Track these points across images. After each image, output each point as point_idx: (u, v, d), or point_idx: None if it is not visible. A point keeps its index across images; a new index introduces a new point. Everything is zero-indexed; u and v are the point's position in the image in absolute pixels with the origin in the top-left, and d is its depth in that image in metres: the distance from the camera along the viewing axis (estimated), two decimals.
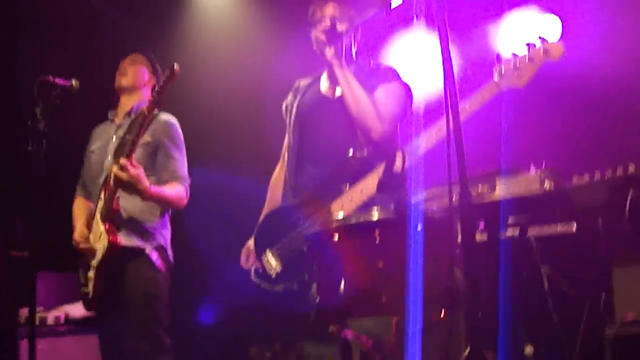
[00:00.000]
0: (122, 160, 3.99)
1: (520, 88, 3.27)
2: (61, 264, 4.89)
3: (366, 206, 3.24)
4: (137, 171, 4.02)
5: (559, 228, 3.82)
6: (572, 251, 3.93)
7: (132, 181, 4.00)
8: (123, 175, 3.98)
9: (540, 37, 3.25)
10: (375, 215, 2.78)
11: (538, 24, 5.42)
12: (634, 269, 3.81)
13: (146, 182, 4.07)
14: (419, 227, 2.65)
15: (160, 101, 3.97)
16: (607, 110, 4.86)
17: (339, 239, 2.78)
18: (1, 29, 5.64)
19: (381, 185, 2.75)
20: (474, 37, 5.46)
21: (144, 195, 4.10)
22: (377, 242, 2.71)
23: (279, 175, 3.98)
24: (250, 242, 3.72)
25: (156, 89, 3.99)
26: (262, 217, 3.83)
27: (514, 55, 3.28)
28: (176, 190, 4.31)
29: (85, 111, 4.96)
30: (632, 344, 3.67)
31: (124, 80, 4.53)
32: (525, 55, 3.24)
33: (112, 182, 4.05)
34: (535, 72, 3.24)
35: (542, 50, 3.23)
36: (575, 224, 3.76)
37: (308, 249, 3.11)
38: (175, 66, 3.89)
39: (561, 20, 5.47)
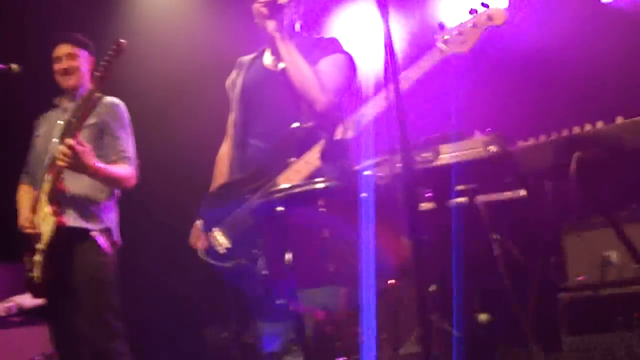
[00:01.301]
0: (68, 140, 3.91)
1: (464, 54, 3.25)
2: (9, 255, 4.78)
3: (313, 177, 3.19)
4: (84, 148, 3.96)
5: (508, 194, 3.86)
6: (522, 216, 3.96)
7: (79, 158, 3.94)
8: (69, 152, 3.90)
9: (483, 3, 3.23)
10: (319, 184, 2.76)
11: None
12: (584, 233, 3.86)
13: (92, 159, 4.02)
14: (364, 194, 2.63)
15: (106, 77, 3.90)
16: (551, 78, 4.91)
17: (283, 209, 2.74)
18: None
19: (324, 155, 2.72)
20: (419, 8, 5.46)
21: (90, 172, 4.04)
22: (322, 211, 2.69)
23: (224, 150, 3.92)
24: (199, 222, 3.68)
25: (101, 63, 3.90)
26: (208, 193, 3.78)
27: (458, 23, 3.26)
28: (124, 170, 4.26)
29: (31, 98, 4.85)
30: (585, 307, 3.72)
31: (71, 81, 4.46)
32: (468, 21, 3.23)
33: (58, 161, 3.96)
34: (478, 37, 3.22)
35: (485, 16, 3.21)
36: (524, 190, 3.79)
37: (254, 223, 3.07)
38: (122, 41, 3.83)
39: None
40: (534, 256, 3.93)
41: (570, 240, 3.97)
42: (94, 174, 4.07)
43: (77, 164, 3.97)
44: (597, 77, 4.82)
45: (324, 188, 2.75)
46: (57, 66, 4.47)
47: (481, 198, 3.79)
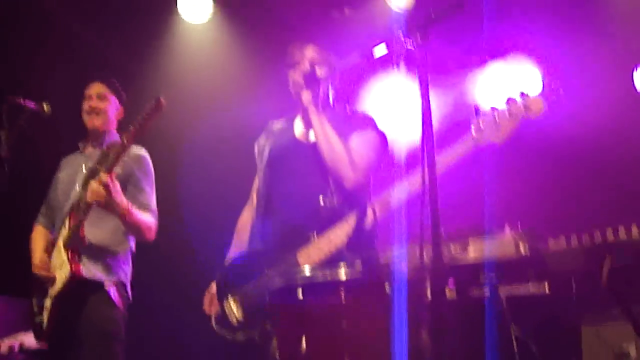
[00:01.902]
0: (103, 176, 3.87)
1: (498, 144, 3.18)
2: (18, 289, 4.73)
3: (334, 257, 3.14)
4: (117, 187, 3.93)
5: (531, 288, 3.76)
6: (543, 312, 3.87)
7: (112, 197, 3.89)
8: (102, 189, 3.86)
9: (521, 93, 3.17)
10: (342, 274, 2.68)
11: (518, 76, 5.42)
12: (602, 326, 3.77)
13: (125, 200, 3.98)
14: (387, 288, 2.55)
15: (141, 133, 3.85)
16: (585, 169, 4.83)
17: (303, 295, 2.66)
18: None
19: (350, 243, 2.64)
20: (453, 86, 5.44)
21: (122, 211, 3.98)
22: (343, 301, 2.60)
23: (246, 217, 3.86)
24: (213, 286, 3.60)
25: (138, 118, 3.85)
26: (226, 260, 3.71)
27: (494, 109, 3.19)
28: (148, 219, 4.21)
29: (55, 137, 4.85)
30: None
31: (97, 121, 4.43)
32: (505, 110, 3.16)
33: (89, 197, 3.91)
34: (514, 128, 3.15)
35: (522, 106, 3.14)
36: (547, 285, 3.70)
37: (271, 302, 2.99)
38: (162, 99, 3.78)
39: (541, 73, 5.48)
40: (553, 353, 3.82)
41: (587, 332, 3.86)
42: (125, 214, 4.01)
43: (108, 202, 3.91)
44: (633, 172, 4.74)
45: (346, 280, 2.66)
46: (86, 104, 4.46)
47: (503, 290, 3.70)
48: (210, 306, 3.60)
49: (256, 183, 3.82)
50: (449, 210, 2.66)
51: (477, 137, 3.17)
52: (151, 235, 4.25)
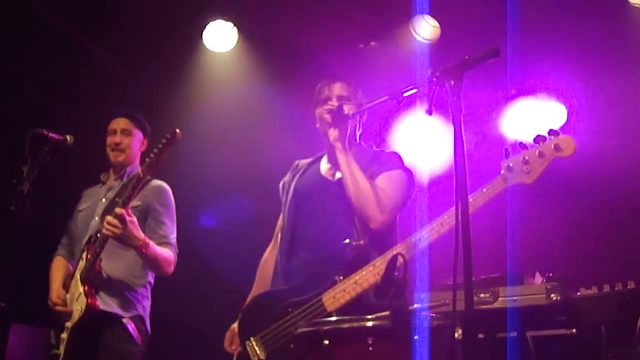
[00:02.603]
0: (118, 209, 3.84)
1: (528, 184, 3.09)
2: (37, 319, 4.70)
3: (360, 299, 3.09)
4: (133, 220, 3.89)
5: (558, 332, 3.68)
6: (570, 354, 3.78)
7: (128, 230, 3.86)
8: (118, 224, 3.83)
9: (550, 130, 3.07)
10: (369, 321, 2.61)
11: (545, 112, 5.37)
12: None
13: (141, 233, 3.94)
14: (416, 337, 2.48)
15: (158, 164, 3.83)
16: (619, 214, 4.71)
17: (329, 343, 2.60)
18: (2, 75, 5.52)
19: (379, 291, 2.58)
20: (482, 123, 5.39)
21: (139, 244, 3.94)
22: (370, 349, 2.54)
23: (269, 255, 3.80)
24: (235, 325, 3.54)
25: (155, 151, 3.83)
26: (249, 299, 3.65)
27: (523, 147, 3.11)
28: (166, 253, 4.17)
29: (78, 169, 4.84)
30: None
31: (120, 157, 4.44)
32: (535, 149, 3.07)
33: (105, 230, 3.87)
34: (545, 168, 3.05)
35: (552, 145, 3.04)
36: (574, 330, 3.61)
37: (295, 348, 2.92)
38: (177, 131, 3.77)
39: (567, 109, 5.43)
40: None
41: None
42: (143, 247, 3.96)
43: (125, 235, 3.87)
44: None
45: (374, 326, 2.59)
46: (110, 139, 4.46)
47: (531, 333, 3.61)
48: (231, 345, 3.55)
49: (280, 221, 3.77)
50: (479, 256, 2.59)
51: (507, 178, 3.09)
52: (169, 269, 4.20)
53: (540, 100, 5.46)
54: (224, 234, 5.93)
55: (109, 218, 3.86)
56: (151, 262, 4.12)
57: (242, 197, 5.96)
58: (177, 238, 4.31)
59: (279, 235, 3.70)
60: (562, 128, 4.83)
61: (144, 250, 3.99)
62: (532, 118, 5.41)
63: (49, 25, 5.55)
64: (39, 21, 5.48)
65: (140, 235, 3.95)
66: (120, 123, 4.48)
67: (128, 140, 4.45)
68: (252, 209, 5.54)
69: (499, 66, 4.97)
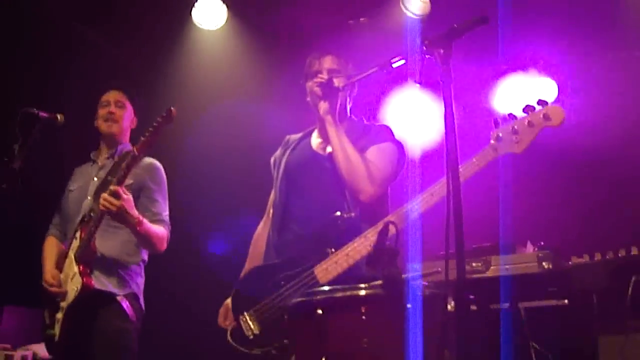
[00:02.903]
0: (114, 187, 3.84)
1: (518, 154, 3.09)
2: (30, 300, 4.70)
3: (352, 271, 3.10)
4: (129, 197, 3.88)
5: (551, 302, 3.71)
6: (562, 325, 3.81)
7: (123, 207, 3.85)
8: (114, 200, 3.82)
9: (539, 100, 3.07)
10: (362, 290, 2.62)
11: (535, 87, 5.37)
12: (620, 337, 3.72)
13: (136, 211, 3.94)
14: (409, 305, 2.49)
15: (152, 142, 3.81)
16: (608, 183, 4.74)
17: (322, 312, 2.61)
18: None
19: (371, 260, 2.58)
20: (472, 98, 5.39)
21: (133, 221, 3.94)
22: (363, 318, 2.55)
23: (262, 230, 3.81)
24: (229, 301, 3.56)
25: (150, 129, 3.81)
26: (242, 274, 3.66)
27: (512, 117, 3.11)
28: (160, 230, 4.17)
29: (67, 148, 4.82)
30: None
31: (114, 128, 4.41)
32: (524, 119, 3.07)
33: (101, 206, 3.85)
34: (534, 138, 3.05)
35: (541, 115, 3.04)
36: (566, 301, 3.63)
37: (289, 320, 2.93)
38: (173, 109, 3.75)
39: (558, 85, 5.43)
40: None
41: (604, 344, 3.80)
42: (136, 224, 3.96)
43: (120, 211, 3.86)
44: None
45: (367, 295, 2.60)
46: (102, 110, 4.42)
47: (523, 304, 3.63)
48: (225, 320, 3.56)
49: (272, 196, 3.77)
50: (471, 226, 2.60)
51: (497, 148, 3.09)
52: (162, 246, 4.20)
53: (531, 76, 5.47)
54: (216, 206, 5.93)
55: (105, 195, 3.85)
56: (145, 239, 4.11)
57: (234, 171, 5.96)
58: (170, 218, 4.31)
59: (271, 211, 3.71)
60: (553, 103, 4.83)
61: (137, 228, 3.98)
62: (523, 93, 5.41)
63: (37, 5, 5.51)
64: (30, 3, 5.44)
65: (135, 212, 3.94)
66: (114, 95, 4.45)
67: (121, 112, 4.42)
68: (245, 184, 5.53)
69: (491, 41, 4.98)
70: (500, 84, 5.49)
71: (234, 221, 5.33)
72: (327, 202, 3.36)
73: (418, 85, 2.64)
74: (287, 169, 3.62)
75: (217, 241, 6.19)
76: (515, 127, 3.06)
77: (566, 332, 3.83)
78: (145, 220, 4.03)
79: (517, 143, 3.05)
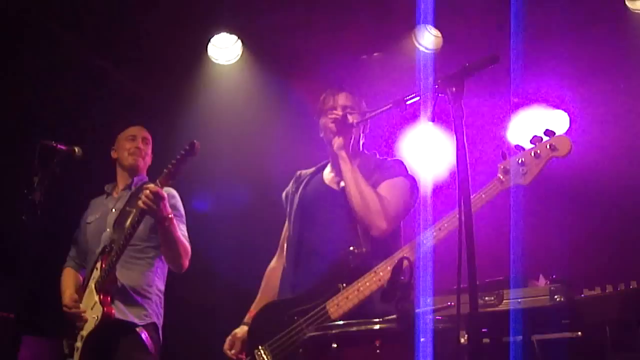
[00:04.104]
0: (152, 186, 3.87)
1: (525, 186, 3.07)
2: (47, 331, 4.74)
3: (363, 306, 3.13)
4: (165, 195, 3.90)
5: (564, 335, 3.70)
6: (575, 357, 3.81)
7: (159, 203, 3.86)
8: (151, 196, 3.83)
9: (546, 131, 3.06)
10: (377, 324, 2.66)
11: (547, 120, 5.40)
12: None
13: (169, 209, 3.97)
14: (422, 339, 2.52)
15: (176, 175, 3.86)
16: (619, 216, 4.75)
17: (337, 346, 2.64)
18: (13, 88, 5.58)
19: (386, 295, 2.62)
20: (484, 135, 5.43)
21: (167, 220, 3.96)
22: (378, 352, 2.58)
23: (275, 265, 3.84)
24: (237, 331, 3.61)
25: (173, 162, 3.86)
26: (256, 309, 3.68)
27: (520, 149, 3.11)
28: (185, 241, 4.19)
29: (84, 180, 4.89)
30: None
31: (141, 163, 4.50)
32: (530, 150, 3.06)
33: (140, 202, 3.88)
34: (541, 169, 3.04)
35: (548, 145, 3.03)
36: (580, 333, 3.63)
37: (304, 353, 2.96)
38: (196, 143, 3.79)
39: (569, 116, 5.46)
40: None
41: None
42: (169, 220, 3.98)
43: (157, 209, 3.88)
44: None
45: (381, 329, 2.64)
46: (129, 144, 4.50)
47: (536, 337, 3.63)
48: (230, 349, 3.58)
49: (284, 231, 3.81)
50: (481, 259, 2.63)
51: (504, 180, 3.08)
52: (186, 260, 4.20)
53: (543, 109, 5.50)
54: (229, 240, 5.97)
55: (145, 192, 3.86)
56: (172, 241, 4.09)
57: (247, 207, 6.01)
58: None
59: (285, 245, 3.74)
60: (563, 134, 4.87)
61: (168, 224, 3.99)
62: (535, 126, 5.44)
63: (57, 40, 5.61)
64: (48, 36, 5.54)
65: (168, 209, 3.97)
66: (139, 130, 4.57)
67: (147, 148, 4.55)
68: (258, 219, 5.57)
69: (502, 76, 5.03)
70: (513, 118, 5.53)
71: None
72: (340, 238, 3.39)
73: (431, 122, 2.67)
74: (301, 204, 3.65)
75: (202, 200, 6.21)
76: (523, 159, 3.06)
77: None
78: (175, 222, 4.04)
79: (524, 175, 3.04)
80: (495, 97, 5.44)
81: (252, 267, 4.00)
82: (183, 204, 4.40)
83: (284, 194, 3.86)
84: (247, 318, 3.67)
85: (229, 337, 3.64)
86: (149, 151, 4.56)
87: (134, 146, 4.50)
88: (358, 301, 3.13)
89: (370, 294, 3.11)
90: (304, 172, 3.86)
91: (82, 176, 4.94)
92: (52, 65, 5.62)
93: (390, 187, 3.48)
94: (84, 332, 4.06)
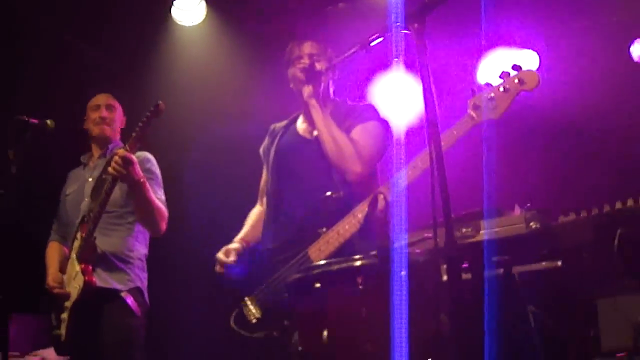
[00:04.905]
0: (120, 150, 3.86)
1: (495, 119, 3.12)
2: (36, 307, 4.75)
3: (344, 248, 3.18)
4: (135, 160, 3.89)
5: (544, 265, 3.77)
6: (558, 287, 3.88)
7: (130, 168, 3.84)
8: (120, 161, 3.81)
9: (514, 66, 3.11)
10: (357, 261, 2.70)
11: (516, 59, 5.42)
12: (618, 298, 3.78)
13: (140, 173, 3.96)
14: (403, 273, 2.56)
15: (142, 137, 3.87)
16: (589, 144, 4.82)
17: (320, 286, 2.68)
18: None
19: (363, 230, 2.66)
20: (455, 76, 5.44)
21: (139, 184, 3.94)
22: (360, 289, 2.62)
23: (257, 213, 3.88)
24: (230, 246, 3.65)
25: (140, 125, 3.86)
26: (244, 235, 3.74)
27: (488, 85, 3.16)
28: (161, 205, 4.18)
29: (60, 152, 4.87)
30: None
31: (108, 131, 4.48)
32: (499, 85, 3.12)
33: (110, 169, 3.87)
34: (510, 103, 3.09)
35: (516, 79, 3.08)
36: (560, 262, 3.70)
37: (289, 297, 3.01)
38: (161, 103, 3.80)
39: (538, 55, 5.49)
40: (571, 328, 3.83)
41: (604, 305, 3.87)
42: (141, 184, 3.97)
43: (127, 174, 3.87)
44: (636, 143, 4.73)
45: (362, 265, 2.68)
46: (94, 114, 4.49)
47: (517, 269, 3.70)
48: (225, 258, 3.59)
49: (262, 184, 3.84)
50: (457, 193, 2.67)
51: (474, 115, 3.13)
52: (163, 223, 4.20)
53: (512, 49, 5.52)
54: (207, 198, 5.98)
55: (114, 158, 3.85)
56: (146, 205, 4.07)
57: (223, 163, 6.02)
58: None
59: (265, 198, 3.78)
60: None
61: (140, 188, 3.98)
62: (505, 66, 5.47)
63: (17, 12, 5.54)
64: (7, 8, 5.47)
65: (140, 173, 3.96)
66: (103, 98, 4.53)
67: (112, 114, 4.51)
68: (233, 174, 5.58)
69: (472, 18, 5.03)
70: (483, 59, 5.55)
71: None
72: (316, 185, 3.42)
73: (398, 61, 2.69)
74: (277, 156, 3.68)
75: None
76: (492, 94, 3.11)
77: (562, 294, 3.90)
78: (147, 186, 4.03)
79: (494, 109, 3.09)
80: (465, 39, 5.45)
81: (234, 228, 4.01)
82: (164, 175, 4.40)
83: (261, 150, 3.89)
84: (239, 239, 3.72)
85: (224, 248, 3.64)
86: (117, 117, 4.52)
87: (98, 116, 4.47)
88: (339, 244, 3.18)
89: (351, 235, 3.16)
90: (277, 125, 3.88)
91: (57, 148, 4.91)
92: (15, 39, 5.55)
93: (363, 131, 3.51)
94: (68, 303, 4.09)
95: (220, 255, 3.62)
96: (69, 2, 5.63)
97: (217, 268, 3.60)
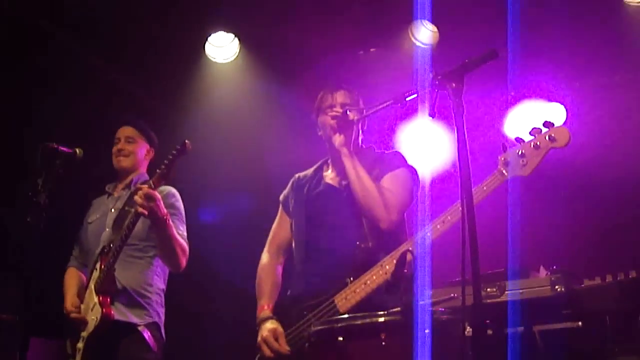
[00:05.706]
0: (145, 187, 3.90)
1: (525, 177, 3.11)
2: (52, 332, 4.76)
3: (371, 299, 3.17)
4: (159, 197, 3.92)
5: (565, 325, 3.74)
6: (576, 346, 3.84)
7: (154, 205, 3.87)
8: (145, 198, 3.84)
9: (545, 122, 3.11)
10: (381, 317, 2.69)
11: (544, 113, 5.44)
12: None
13: (164, 209, 3.98)
14: (427, 331, 2.56)
15: (168, 174, 3.90)
16: (618, 207, 4.79)
17: (343, 339, 2.68)
18: (13, 91, 5.59)
19: (389, 287, 2.66)
20: (482, 129, 5.45)
21: (163, 220, 3.96)
22: (383, 344, 2.61)
23: (267, 262, 3.81)
24: (270, 326, 3.45)
25: (165, 162, 3.90)
26: (267, 301, 3.64)
27: (519, 141, 3.16)
28: (182, 241, 4.19)
29: (85, 180, 4.91)
30: None
31: (124, 162, 4.53)
32: (530, 142, 3.11)
33: (136, 204, 3.89)
34: (541, 160, 3.09)
35: (547, 136, 3.08)
36: (580, 323, 3.67)
37: (310, 347, 3.00)
38: (187, 142, 3.84)
39: (566, 109, 5.49)
40: None
41: None
42: (165, 220, 3.99)
43: (151, 210, 3.89)
44: None
45: (386, 321, 2.67)
46: (114, 147, 4.58)
47: (537, 327, 3.67)
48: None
49: (274, 231, 3.85)
50: (483, 252, 2.66)
51: (504, 172, 3.13)
52: (183, 259, 4.20)
53: (539, 102, 5.54)
54: (226, 236, 6.00)
55: (139, 193, 3.88)
56: (168, 241, 4.08)
57: (243, 199, 6.04)
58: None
59: (273, 240, 3.81)
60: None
61: (163, 224, 3.99)
62: (532, 119, 5.48)
63: (55, 42, 5.63)
64: (47, 37, 5.56)
65: (164, 210, 3.98)
66: (124, 131, 4.60)
67: (131, 147, 4.56)
68: (255, 214, 5.61)
69: (500, 71, 5.05)
70: (511, 112, 5.56)
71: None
72: (347, 234, 3.44)
73: (430, 118, 2.70)
74: (308, 205, 3.68)
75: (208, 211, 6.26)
76: (522, 150, 3.11)
77: (580, 354, 3.86)
78: (170, 223, 4.05)
79: (524, 166, 3.09)
80: (492, 91, 5.47)
81: (253, 269, 4.00)
82: (187, 210, 4.42)
83: (281, 197, 3.90)
84: (268, 311, 3.55)
85: (268, 334, 3.41)
86: (138, 148, 4.57)
87: (116, 149, 4.56)
88: (365, 294, 3.17)
89: (377, 286, 3.15)
90: (301, 174, 3.88)
91: (85, 177, 4.96)
92: (52, 67, 5.63)
93: (392, 179, 3.53)
94: (85, 334, 4.10)
95: (272, 342, 3.38)
96: (104, 31, 5.70)
97: (267, 352, 3.38)
